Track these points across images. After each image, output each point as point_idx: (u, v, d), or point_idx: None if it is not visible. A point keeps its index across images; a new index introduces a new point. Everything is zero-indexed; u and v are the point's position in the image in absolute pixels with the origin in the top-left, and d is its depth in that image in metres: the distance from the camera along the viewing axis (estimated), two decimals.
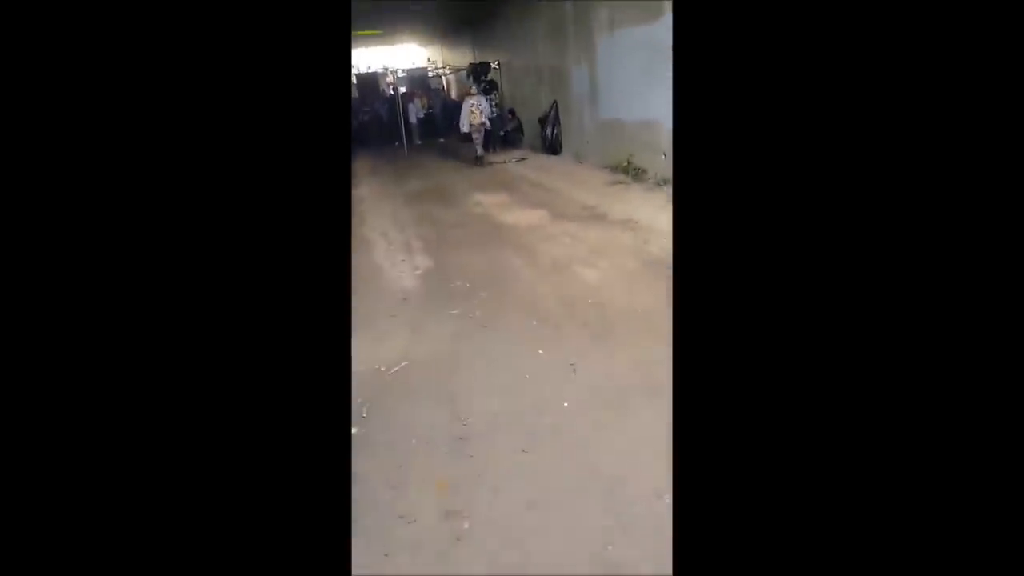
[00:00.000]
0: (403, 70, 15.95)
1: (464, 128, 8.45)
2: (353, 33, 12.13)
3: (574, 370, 2.41)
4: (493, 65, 10.45)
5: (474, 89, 8.72)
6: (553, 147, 8.01)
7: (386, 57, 16.66)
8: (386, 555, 1.56)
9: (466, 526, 1.63)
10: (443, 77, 16.02)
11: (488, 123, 8.57)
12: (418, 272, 3.92)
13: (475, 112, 8.35)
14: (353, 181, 8.35)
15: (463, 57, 12.81)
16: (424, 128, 12.45)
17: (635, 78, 5.74)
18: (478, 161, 8.33)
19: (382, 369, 2.56)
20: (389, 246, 4.63)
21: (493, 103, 9.76)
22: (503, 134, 9.46)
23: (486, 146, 8.68)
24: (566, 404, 2.17)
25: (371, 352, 2.74)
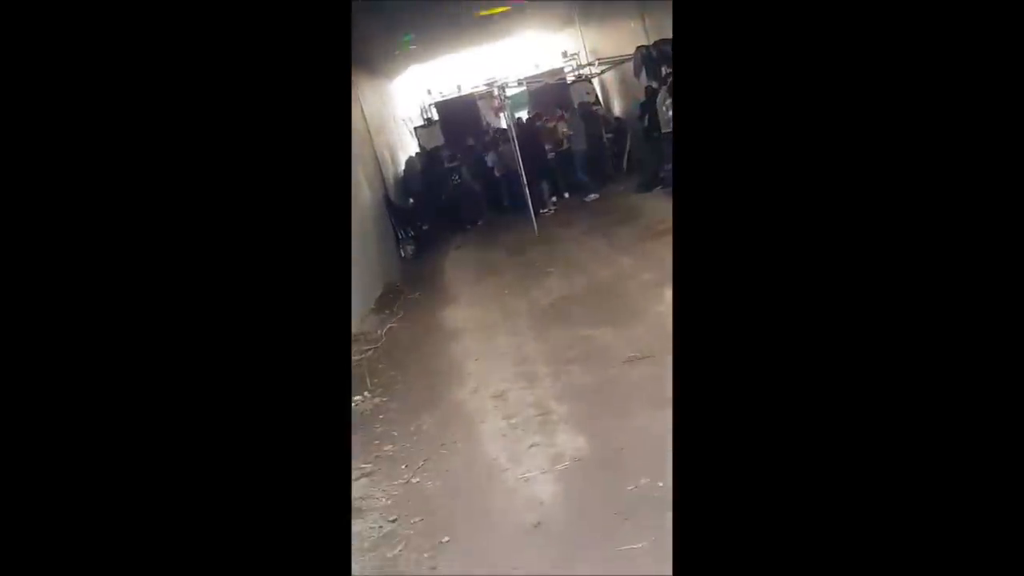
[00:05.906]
0: (520, 81, 8.93)
1: None
2: (480, 12, 7.25)
3: None
4: None
5: None
6: None
7: (492, 64, 8.82)
8: None
9: None
10: (592, 81, 8.95)
11: None
12: (561, 467, 2.35)
13: None
14: (443, 301, 5.29)
15: (627, 41, 6.98)
16: (565, 176, 7.27)
17: None
18: None
19: None
20: (508, 421, 2.82)
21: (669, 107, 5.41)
22: None
23: None
24: None
25: None
